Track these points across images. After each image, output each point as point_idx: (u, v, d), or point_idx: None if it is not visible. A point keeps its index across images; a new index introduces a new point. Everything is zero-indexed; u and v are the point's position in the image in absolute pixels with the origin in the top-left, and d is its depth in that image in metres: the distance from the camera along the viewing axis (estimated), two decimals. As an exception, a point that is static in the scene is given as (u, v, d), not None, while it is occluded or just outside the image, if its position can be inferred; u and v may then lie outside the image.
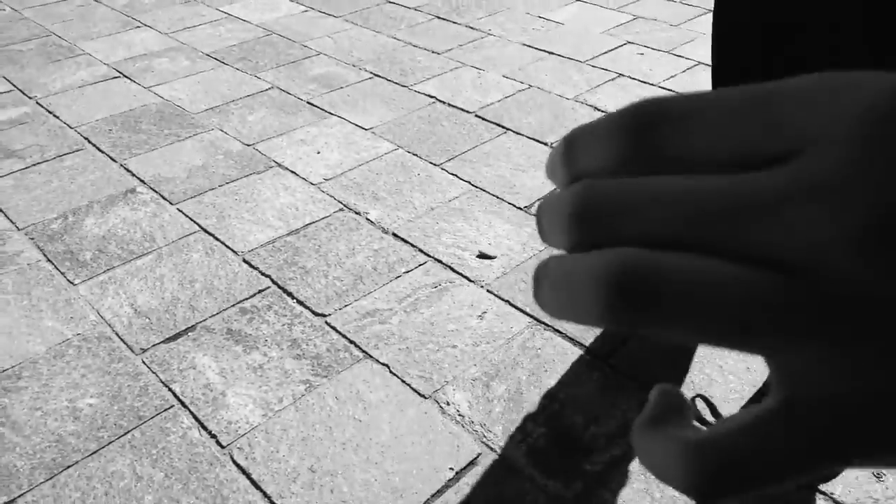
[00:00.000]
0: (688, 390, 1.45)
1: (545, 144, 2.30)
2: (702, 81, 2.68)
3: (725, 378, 1.47)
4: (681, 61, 2.85)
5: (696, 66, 2.81)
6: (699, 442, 0.16)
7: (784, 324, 0.14)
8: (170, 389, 1.45)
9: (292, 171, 2.16)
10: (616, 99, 2.56)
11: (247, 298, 1.67)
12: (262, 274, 1.75)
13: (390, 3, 3.46)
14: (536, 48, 2.97)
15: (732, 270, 0.14)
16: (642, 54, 2.91)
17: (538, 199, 2.03)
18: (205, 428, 1.37)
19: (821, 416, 0.14)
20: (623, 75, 2.74)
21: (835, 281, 0.14)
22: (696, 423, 0.17)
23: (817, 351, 0.14)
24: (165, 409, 1.41)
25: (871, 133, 0.14)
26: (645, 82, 2.68)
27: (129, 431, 1.36)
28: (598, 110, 2.49)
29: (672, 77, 2.72)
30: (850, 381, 0.14)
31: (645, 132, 0.16)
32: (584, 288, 0.15)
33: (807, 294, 0.14)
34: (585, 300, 0.15)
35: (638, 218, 0.15)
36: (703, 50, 2.94)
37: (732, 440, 0.15)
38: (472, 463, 1.30)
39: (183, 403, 1.42)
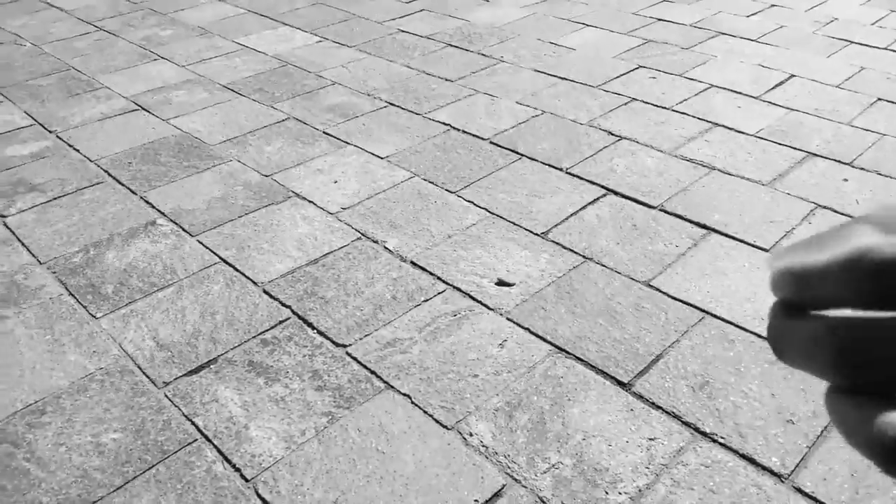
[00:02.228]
0: (713, 418, 1.43)
1: (560, 169, 2.30)
2: (713, 104, 2.69)
3: (751, 404, 1.46)
4: (693, 84, 2.86)
5: (708, 88, 2.82)
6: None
7: None
8: (193, 423, 1.45)
9: (310, 201, 2.18)
10: (630, 123, 2.57)
11: (268, 330, 1.68)
12: (283, 305, 1.76)
13: (403, 32, 3.51)
14: (549, 74, 2.99)
15: None
16: (654, 78, 2.92)
17: (555, 225, 2.03)
18: (229, 461, 1.37)
19: None
20: (636, 99, 2.75)
21: None
22: None
23: None
24: (189, 443, 1.41)
25: None
26: (658, 106, 2.69)
27: (153, 466, 1.36)
28: (612, 134, 2.50)
29: (685, 100, 2.73)
30: None
31: (879, 281, 0.18)
32: (870, 447, 0.18)
33: None
34: (871, 454, 0.18)
35: (879, 359, 0.18)
36: (714, 73, 2.95)
37: None
38: (497, 495, 1.29)
39: (206, 437, 1.42)
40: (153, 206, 2.18)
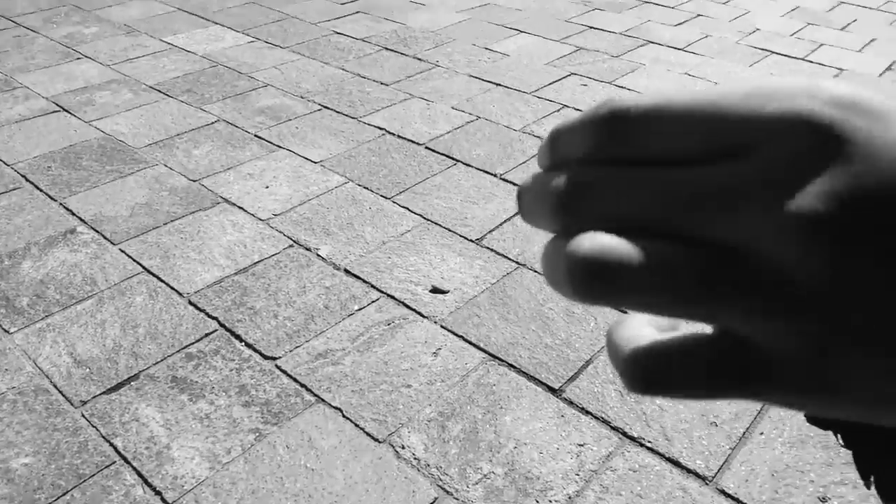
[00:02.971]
0: (640, 423, 1.46)
1: (495, 175, 2.31)
2: (645, 111, 2.75)
3: (676, 408, 1.49)
4: (622, 92, 2.92)
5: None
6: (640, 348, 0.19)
7: (720, 297, 0.17)
8: (111, 444, 1.39)
9: (240, 207, 2.13)
10: (563, 129, 2.60)
11: (193, 343, 1.63)
12: (209, 316, 1.71)
13: (338, 33, 3.46)
14: (483, 80, 3.00)
15: (680, 253, 0.17)
16: (585, 85, 2.97)
17: (489, 231, 2.04)
18: (149, 485, 1.31)
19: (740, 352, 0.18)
20: (568, 106, 2.79)
21: (769, 263, 0.16)
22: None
23: (749, 320, 0.17)
24: (107, 466, 1.35)
25: (811, 143, 0.16)
26: (590, 113, 2.73)
27: (68, 492, 1.29)
28: (546, 141, 2.53)
29: (616, 107, 2.78)
30: (773, 342, 0.17)
31: (614, 127, 0.19)
32: (562, 275, 0.18)
33: (745, 272, 0.17)
34: (563, 283, 0.18)
35: (610, 208, 0.18)
36: (643, 80, 3.02)
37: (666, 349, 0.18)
38: (428, 508, 1.28)
39: (125, 459, 1.36)
40: (73, 214, 2.09)
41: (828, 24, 3.75)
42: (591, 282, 0.18)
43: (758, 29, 3.64)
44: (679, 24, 3.69)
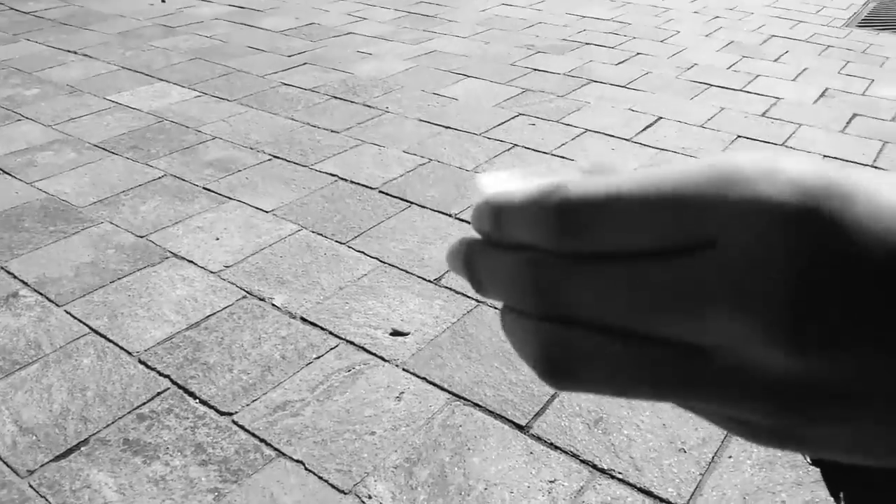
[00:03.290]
0: (609, 454, 1.44)
1: (449, 215, 2.31)
2: (589, 147, 2.81)
3: (644, 436, 1.48)
4: (570, 129, 2.98)
5: (584, 133, 2.94)
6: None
7: (696, 390, 0.17)
8: (60, 513, 1.31)
9: (189, 261, 2.08)
10: (513, 169, 2.63)
11: (144, 403, 1.56)
12: (161, 374, 1.64)
13: (286, 84, 3.47)
14: (433, 123, 3.03)
15: (651, 349, 0.17)
16: (534, 125, 3.03)
17: (447, 271, 2.02)
18: (102, 554, 1.24)
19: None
20: (517, 145, 2.83)
21: (743, 361, 0.16)
22: None
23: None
24: (55, 537, 1.27)
25: (776, 234, 0.15)
26: (539, 151, 2.78)
27: (11, 569, 1.21)
28: (498, 180, 2.55)
29: (563, 144, 2.83)
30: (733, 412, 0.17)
31: (566, 221, 0.18)
32: (532, 360, 0.19)
33: (711, 371, 0.16)
34: (533, 366, 0.19)
35: (575, 309, 0.18)
36: (588, 118, 3.09)
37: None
38: (399, 558, 1.23)
39: (76, 528, 1.29)
40: (15, 277, 2.01)
41: (762, 56, 3.92)
42: (562, 378, 0.18)
43: (695, 64, 3.78)
44: (620, 62, 3.81)
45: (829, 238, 0.15)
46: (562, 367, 0.18)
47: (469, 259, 0.21)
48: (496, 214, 0.20)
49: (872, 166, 2.64)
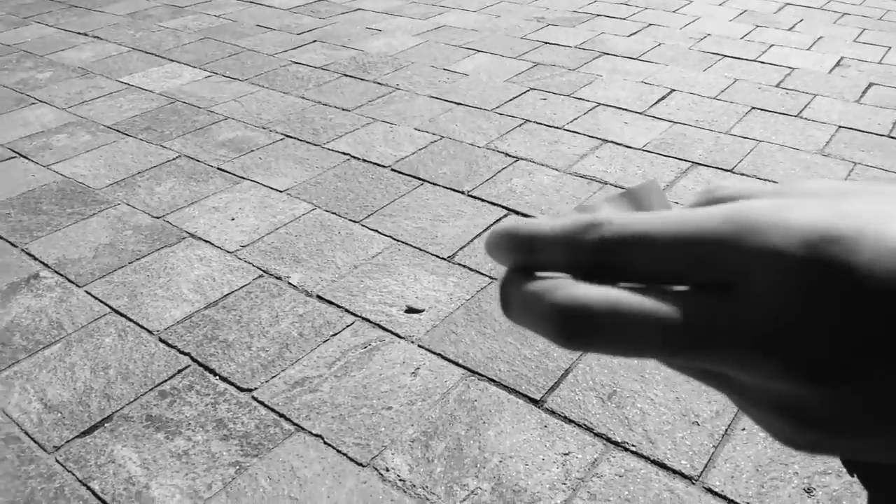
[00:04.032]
0: (623, 427, 1.46)
1: (462, 193, 2.32)
2: (602, 121, 2.79)
3: (657, 409, 1.49)
4: (582, 103, 2.96)
5: (596, 107, 2.93)
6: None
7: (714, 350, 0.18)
8: (88, 488, 1.35)
9: (206, 241, 2.10)
10: (525, 144, 2.63)
11: (166, 380, 1.59)
12: (181, 352, 1.67)
13: (296, 63, 3.47)
14: (444, 100, 3.03)
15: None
16: (545, 99, 3.01)
17: (461, 248, 2.04)
18: (129, 526, 1.28)
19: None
20: (529, 121, 2.82)
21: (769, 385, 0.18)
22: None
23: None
24: (84, 511, 1.31)
25: (788, 283, 0.17)
26: (551, 126, 2.77)
27: (44, 541, 1.25)
28: (509, 156, 2.55)
29: (575, 119, 2.82)
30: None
31: (604, 248, 0.19)
32: (547, 322, 0.20)
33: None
34: (548, 328, 0.20)
35: (609, 340, 0.19)
36: (601, 91, 3.07)
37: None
38: (417, 529, 1.26)
39: (103, 502, 1.33)
40: (35, 259, 2.04)
41: (776, 25, 3.86)
42: (578, 331, 0.19)
43: (708, 34, 3.74)
44: (632, 34, 3.77)
45: (835, 283, 0.16)
46: (580, 327, 0.19)
47: (504, 286, 0.22)
48: (530, 241, 0.21)
49: (888, 136, 2.61)
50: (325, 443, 1.43)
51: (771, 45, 3.56)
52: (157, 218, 2.23)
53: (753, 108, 2.88)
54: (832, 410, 0.17)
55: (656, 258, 0.19)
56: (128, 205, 2.30)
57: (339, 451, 1.41)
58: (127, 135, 2.78)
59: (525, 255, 0.21)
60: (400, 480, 1.35)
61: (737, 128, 2.71)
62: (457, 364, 1.63)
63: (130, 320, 1.78)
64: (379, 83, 3.21)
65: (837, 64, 3.31)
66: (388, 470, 1.37)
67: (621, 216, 0.20)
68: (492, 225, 2.15)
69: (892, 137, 2.61)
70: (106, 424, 1.49)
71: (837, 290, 0.16)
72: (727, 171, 2.41)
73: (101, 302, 1.85)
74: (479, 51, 3.58)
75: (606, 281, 0.20)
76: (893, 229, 0.17)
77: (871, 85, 3.07)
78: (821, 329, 0.16)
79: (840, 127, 2.70)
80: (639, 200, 0.23)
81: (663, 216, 0.19)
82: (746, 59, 3.39)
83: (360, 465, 1.38)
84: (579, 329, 0.19)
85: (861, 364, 0.16)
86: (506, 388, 1.56)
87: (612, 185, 2.34)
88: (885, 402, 0.17)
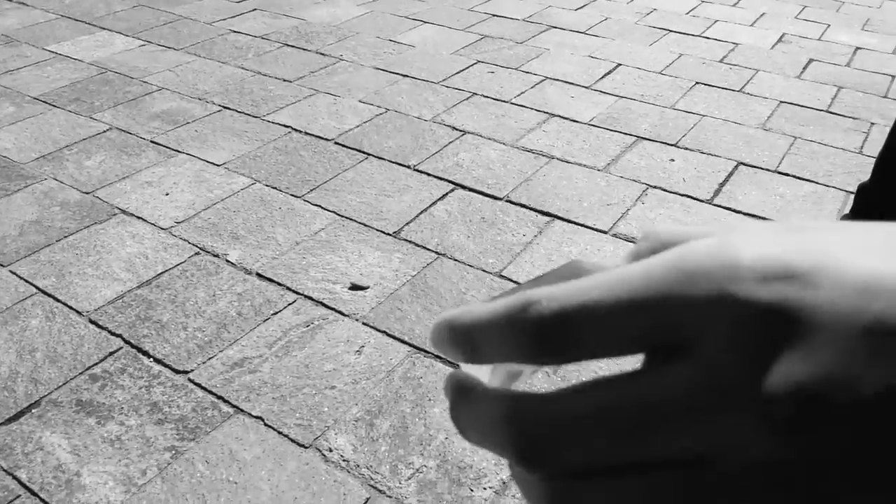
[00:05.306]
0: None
1: (408, 167, 2.28)
2: (549, 96, 2.78)
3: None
4: (529, 77, 2.94)
5: (543, 81, 2.91)
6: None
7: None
8: (14, 477, 1.28)
9: (139, 217, 2.01)
10: (472, 118, 2.59)
11: (97, 363, 1.52)
12: (112, 334, 1.60)
13: (235, 32, 3.34)
14: (390, 71, 2.96)
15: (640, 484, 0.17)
16: (493, 72, 2.98)
17: (406, 224, 2.00)
18: (57, 517, 1.22)
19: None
20: (476, 94, 2.78)
21: (746, 461, 0.15)
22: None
23: None
24: (11, 501, 1.24)
25: (748, 334, 0.15)
26: (498, 99, 2.74)
27: (-38, 536, 1.18)
28: (456, 129, 2.51)
29: (522, 93, 2.80)
30: None
31: (542, 337, 0.17)
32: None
33: (717, 478, 0.16)
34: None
35: (564, 448, 0.17)
36: (549, 65, 3.05)
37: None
38: (361, 509, 1.24)
39: (31, 491, 1.26)
40: (-47, 237, 1.92)
41: (721, 1, 3.90)
42: None
43: (655, 9, 3.75)
44: (579, 7, 3.75)
45: (797, 326, 0.15)
46: None
47: (453, 407, 0.20)
48: (467, 334, 0.19)
49: (827, 111, 2.67)
50: (266, 425, 1.39)
51: (716, 21, 3.60)
52: (87, 193, 2.12)
53: (698, 82, 2.91)
54: (809, 462, 0.15)
55: (604, 328, 0.17)
56: (55, 180, 2.18)
57: (280, 433, 1.37)
58: (55, 106, 2.64)
59: (467, 352, 0.19)
60: (343, 461, 1.32)
61: (681, 102, 2.73)
62: (402, 341, 1.60)
63: (58, 301, 1.70)
64: (322, 54, 3.12)
65: (779, 40, 3.37)
66: (331, 450, 1.34)
67: (555, 289, 0.18)
68: (438, 200, 2.11)
69: (831, 113, 2.66)
70: (33, 410, 1.41)
71: (796, 334, 0.15)
72: (671, 145, 2.43)
73: (27, 282, 1.75)
74: (425, 22, 3.51)
75: (552, 361, 0.18)
76: (851, 263, 0.15)
77: (811, 61, 3.13)
78: (783, 378, 0.15)
79: (781, 102, 2.74)
80: (565, 279, 0.21)
81: (599, 279, 0.17)
82: (692, 35, 3.41)
83: (302, 446, 1.35)
84: (542, 452, 0.17)
85: (837, 410, 0.15)
86: (453, 365, 1.53)
87: (558, 159, 2.33)
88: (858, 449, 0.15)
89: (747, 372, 0.15)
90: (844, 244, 0.16)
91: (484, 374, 0.22)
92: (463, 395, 0.19)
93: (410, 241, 1.93)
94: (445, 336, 0.20)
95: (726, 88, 2.85)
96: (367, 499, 1.25)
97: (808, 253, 0.16)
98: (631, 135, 2.49)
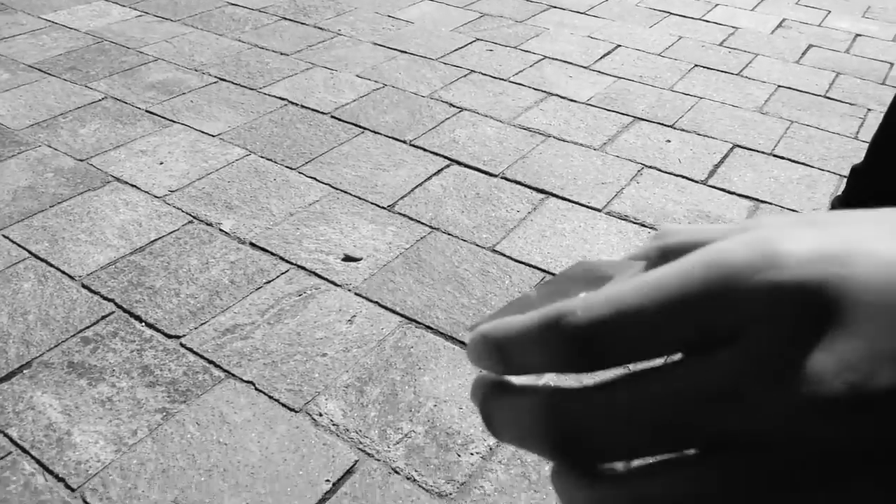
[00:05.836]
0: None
1: (404, 142, 2.28)
2: (547, 75, 2.77)
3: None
4: (528, 56, 2.93)
5: (542, 60, 2.90)
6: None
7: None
8: (6, 435, 1.29)
9: (133, 185, 2.01)
10: (469, 95, 2.59)
11: (88, 326, 1.53)
12: (105, 298, 1.60)
13: (232, 4, 3.32)
14: (388, 47, 2.95)
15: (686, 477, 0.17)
16: (491, 50, 2.97)
17: (401, 198, 2.00)
18: (50, 472, 1.23)
19: None
20: (474, 71, 2.77)
21: (799, 445, 0.15)
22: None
23: None
24: (2, 458, 1.25)
25: (796, 317, 0.16)
26: (496, 77, 2.73)
27: (-47, 490, 1.19)
28: (453, 106, 2.50)
29: (521, 72, 2.79)
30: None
31: (582, 347, 0.17)
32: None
33: (776, 463, 0.16)
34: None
35: (609, 440, 0.17)
36: (548, 44, 3.04)
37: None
38: (349, 472, 1.25)
39: (23, 449, 1.27)
40: (-54, 201, 1.92)
41: (719, -14, 3.88)
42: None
43: (654, -8, 3.73)
44: (579, -11, 3.73)
45: (838, 303, 0.16)
46: None
47: (484, 406, 0.20)
48: (499, 349, 0.19)
49: (824, 96, 2.67)
50: (257, 389, 1.40)
51: (716, 5, 3.58)
52: (81, 161, 2.11)
53: (696, 65, 2.90)
54: (855, 442, 0.15)
55: (645, 333, 0.17)
56: (49, 147, 2.18)
57: (270, 398, 1.38)
58: (50, 74, 2.62)
59: (500, 363, 0.19)
60: (333, 425, 1.33)
61: (679, 84, 2.73)
62: (394, 312, 1.61)
63: (51, 265, 1.70)
64: (320, 28, 3.10)
65: (779, 25, 3.36)
66: (321, 415, 1.35)
67: (588, 299, 0.18)
68: (434, 175, 2.11)
69: (828, 98, 2.67)
70: (25, 371, 1.42)
71: (847, 318, 0.15)
72: (668, 126, 2.43)
73: (20, 246, 1.76)
74: (424, -1, 3.49)
75: (591, 369, 0.18)
76: (881, 244, 0.16)
77: (810, 47, 3.12)
78: (843, 362, 0.15)
79: (779, 86, 2.74)
80: (576, 281, 0.21)
81: (634, 285, 0.18)
82: (692, 18, 3.40)
83: (292, 410, 1.36)
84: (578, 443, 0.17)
85: (877, 390, 0.15)
86: (443, 335, 1.55)
87: (555, 137, 2.33)
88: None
89: (793, 351, 0.16)
90: (869, 229, 0.17)
91: None
92: (497, 392, 0.19)
93: (404, 215, 1.93)
94: (481, 349, 0.20)
95: (725, 72, 2.85)
96: (356, 461, 1.26)
97: (839, 237, 0.16)
98: (628, 115, 2.49)
